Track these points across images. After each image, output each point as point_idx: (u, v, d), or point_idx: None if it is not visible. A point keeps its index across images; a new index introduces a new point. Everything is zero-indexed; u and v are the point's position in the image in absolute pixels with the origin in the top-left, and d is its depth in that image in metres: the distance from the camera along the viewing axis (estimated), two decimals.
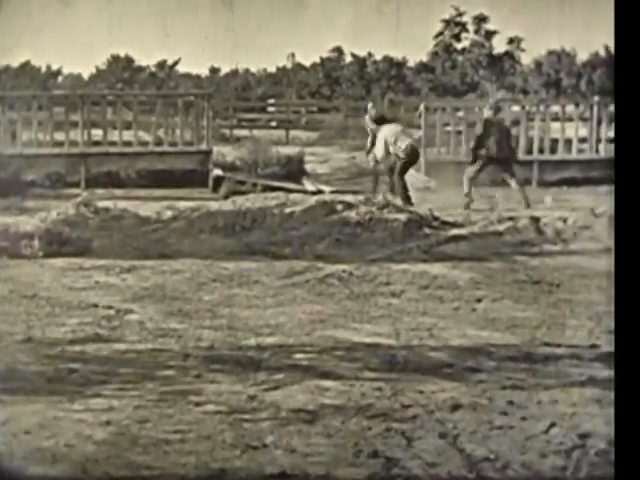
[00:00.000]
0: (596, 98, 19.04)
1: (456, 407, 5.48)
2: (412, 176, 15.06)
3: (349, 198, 12.34)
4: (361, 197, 12.46)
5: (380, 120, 15.18)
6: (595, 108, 17.79)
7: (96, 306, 7.94)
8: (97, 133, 17.49)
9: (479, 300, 8.30)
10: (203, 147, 17.54)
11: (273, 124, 28.36)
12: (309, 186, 16.73)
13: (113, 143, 17.48)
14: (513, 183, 14.34)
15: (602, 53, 33.61)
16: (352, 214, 11.45)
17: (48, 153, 16.91)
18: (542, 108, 17.94)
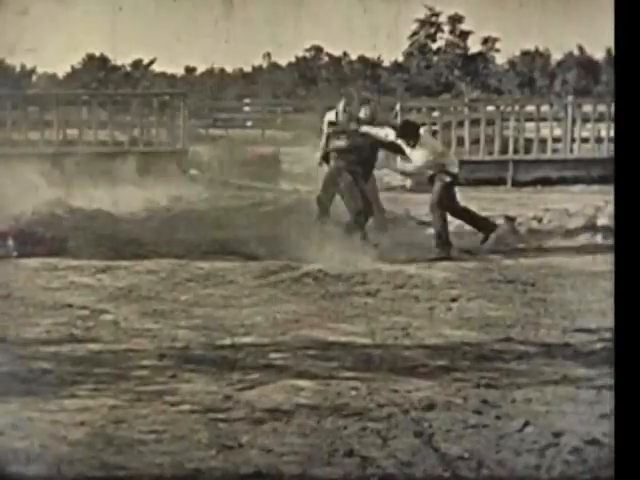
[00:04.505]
0: (570, 98, 19.13)
1: (431, 406, 5.49)
2: (387, 175, 15.05)
3: None
4: None
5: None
6: (569, 108, 17.87)
7: (71, 306, 7.91)
8: (72, 133, 17.43)
9: (454, 299, 8.33)
10: (179, 146, 17.50)
11: (249, 124, 28.32)
12: (284, 186, 16.71)
13: (88, 143, 17.41)
14: None
15: (576, 53, 33.77)
16: None
17: (22, 153, 16.79)
18: (517, 108, 18.01)
